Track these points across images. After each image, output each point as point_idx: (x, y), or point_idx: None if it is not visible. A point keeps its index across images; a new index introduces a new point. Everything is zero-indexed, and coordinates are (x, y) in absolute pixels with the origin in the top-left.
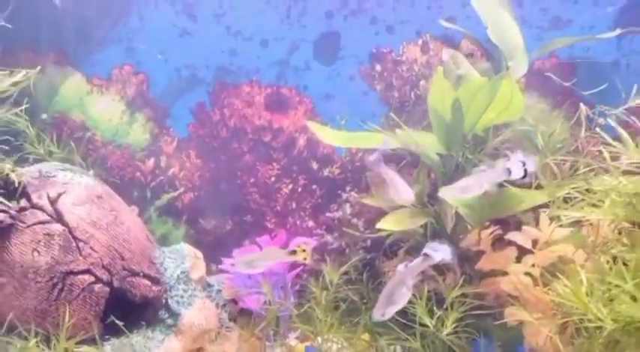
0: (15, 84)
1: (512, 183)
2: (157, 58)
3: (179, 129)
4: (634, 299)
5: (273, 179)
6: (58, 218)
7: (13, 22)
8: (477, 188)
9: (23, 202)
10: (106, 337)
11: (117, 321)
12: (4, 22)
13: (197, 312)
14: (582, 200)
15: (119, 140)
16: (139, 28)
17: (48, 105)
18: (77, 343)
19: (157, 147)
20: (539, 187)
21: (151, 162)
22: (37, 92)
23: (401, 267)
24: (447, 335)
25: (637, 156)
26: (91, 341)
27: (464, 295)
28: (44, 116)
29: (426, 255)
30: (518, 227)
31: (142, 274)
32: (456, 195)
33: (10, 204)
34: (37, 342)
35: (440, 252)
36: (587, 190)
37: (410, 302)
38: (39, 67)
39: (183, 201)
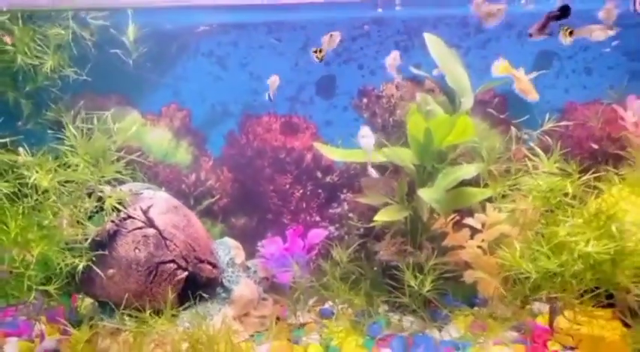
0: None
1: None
2: (197, 97)
3: (215, 150)
4: (548, 257)
5: (287, 186)
6: (150, 224)
7: (88, 74)
8: None
9: (123, 214)
10: (181, 308)
11: (204, 294)
12: (85, 75)
13: (243, 288)
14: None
15: (168, 160)
16: (183, 75)
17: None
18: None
19: (198, 165)
20: (485, 186)
21: (193, 176)
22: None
23: None
24: (427, 291)
25: (548, 166)
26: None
27: (435, 264)
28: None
29: None
30: (468, 214)
31: (206, 261)
32: None
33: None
34: (150, 313)
35: None
36: (517, 188)
37: (398, 269)
38: (110, 111)
39: (218, 205)
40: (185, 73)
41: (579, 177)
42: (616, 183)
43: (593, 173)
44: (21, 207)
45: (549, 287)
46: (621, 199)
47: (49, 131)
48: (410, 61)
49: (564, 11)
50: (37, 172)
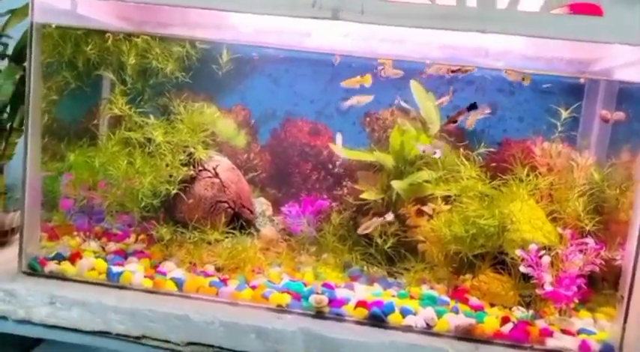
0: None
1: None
2: (256, 103)
3: (262, 140)
4: (459, 226)
5: (308, 171)
6: (216, 176)
7: (190, 78)
8: None
9: (200, 168)
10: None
11: (245, 221)
12: (188, 79)
13: (268, 230)
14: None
15: (231, 142)
16: (250, 87)
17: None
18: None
19: (250, 149)
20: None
21: (245, 156)
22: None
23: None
24: (388, 248)
25: (468, 173)
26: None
27: (399, 234)
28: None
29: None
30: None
31: (247, 208)
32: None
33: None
34: (209, 229)
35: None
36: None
37: (370, 233)
38: (200, 103)
39: (259, 178)
40: (251, 85)
41: (488, 182)
42: (511, 188)
43: (499, 180)
44: (142, 151)
45: (460, 244)
46: (509, 198)
47: (158, 110)
48: (401, 97)
49: (473, 106)
50: (155, 131)
